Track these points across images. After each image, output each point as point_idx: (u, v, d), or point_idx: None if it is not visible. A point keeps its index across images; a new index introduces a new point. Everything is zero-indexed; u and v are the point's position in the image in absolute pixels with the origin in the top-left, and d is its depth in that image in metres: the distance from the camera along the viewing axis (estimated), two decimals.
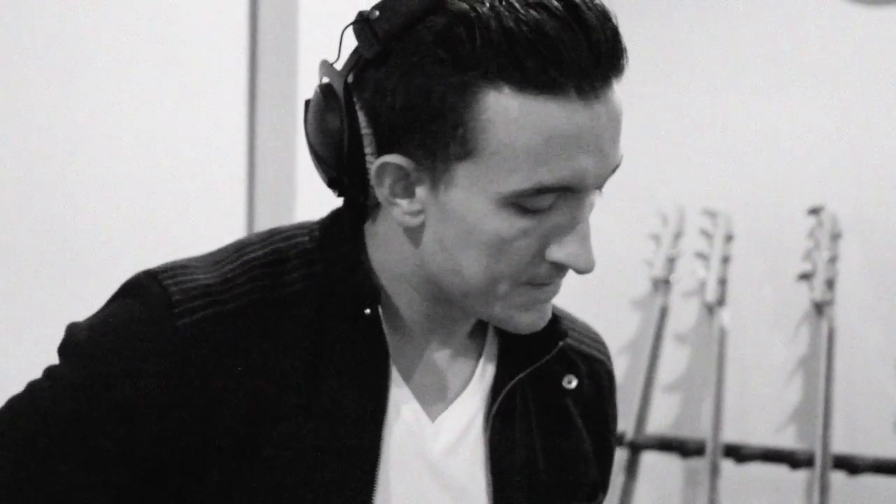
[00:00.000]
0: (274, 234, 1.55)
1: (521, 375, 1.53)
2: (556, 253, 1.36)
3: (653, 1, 4.27)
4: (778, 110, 3.95)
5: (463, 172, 1.36)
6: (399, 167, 1.37)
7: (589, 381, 1.65)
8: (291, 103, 3.29)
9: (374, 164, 1.39)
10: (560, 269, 1.39)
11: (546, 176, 1.34)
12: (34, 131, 2.78)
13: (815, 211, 3.65)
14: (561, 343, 1.53)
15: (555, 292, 1.44)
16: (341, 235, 1.53)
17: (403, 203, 1.40)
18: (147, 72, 3.06)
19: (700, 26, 4.18)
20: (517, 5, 1.32)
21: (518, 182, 1.34)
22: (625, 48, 1.35)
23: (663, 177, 4.00)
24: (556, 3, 1.31)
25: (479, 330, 1.57)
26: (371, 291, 1.46)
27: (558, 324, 1.53)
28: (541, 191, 1.34)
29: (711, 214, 3.80)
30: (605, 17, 1.32)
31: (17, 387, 1.48)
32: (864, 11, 3.85)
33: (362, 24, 1.37)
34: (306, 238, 1.53)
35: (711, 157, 4.04)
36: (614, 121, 1.36)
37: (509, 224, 1.36)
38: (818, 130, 3.89)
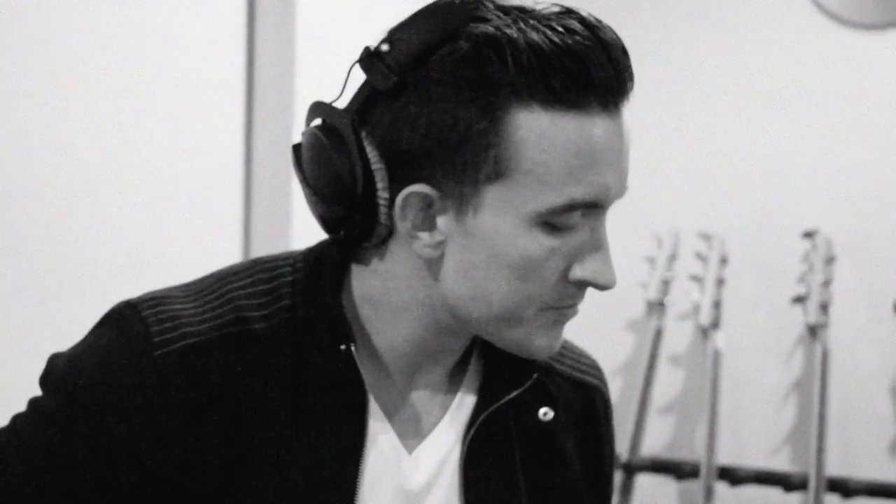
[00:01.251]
0: (257, 265, 1.55)
1: (494, 406, 1.54)
2: (580, 272, 1.38)
3: (649, 26, 4.20)
4: (773, 134, 3.94)
5: (494, 195, 1.36)
6: (425, 196, 1.38)
7: (581, 408, 1.65)
8: (287, 118, 3.32)
9: (398, 196, 1.39)
10: (582, 288, 1.41)
11: (577, 191, 1.35)
12: (31, 138, 2.77)
13: (809, 234, 3.64)
14: (534, 376, 1.54)
15: (575, 313, 1.45)
16: (324, 271, 1.53)
17: (425, 236, 1.40)
18: (145, 83, 3.05)
19: (695, 51, 4.17)
20: (541, 26, 1.33)
21: (552, 200, 1.35)
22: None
23: (658, 199, 3.97)
24: (577, 24, 1.33)
25: (462, 362, 1.56)
26: (344, 328, 1.48)
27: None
28: (572, 207, 1.35)
29: (706, 237, 3.79)
30: (617, 36, 1.35)
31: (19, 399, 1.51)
32: (858, 36, 3.86)
33: (372, 58, 1.38)
34: (289, 270, 1.53)
35: (706, 180, 4.04)
36: (628, 136, 1.39)
37: (538, 244, 1.37)
38: (813, 154, 3.90)
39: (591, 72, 1.33)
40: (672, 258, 3.82)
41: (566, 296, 1.42)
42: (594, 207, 1.38)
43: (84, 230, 2.94)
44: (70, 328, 1.58)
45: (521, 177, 1.37)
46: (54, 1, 2.91)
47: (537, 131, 1.35)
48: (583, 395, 1.66)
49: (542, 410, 1.57)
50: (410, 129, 1.37)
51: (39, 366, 1.50)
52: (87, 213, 2.94)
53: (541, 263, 1.40)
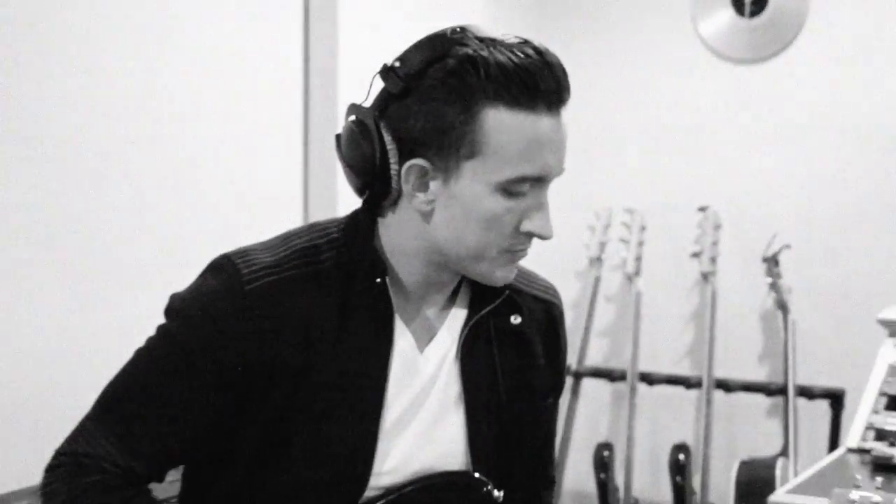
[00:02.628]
0: (312, 228, 1.75)
1: (478, 315, 1.75)
2: (528, 225, 1.62)
3: (576, 58, 4.39)
4: (677, 141, 4.31)
5: (469, 168, 1.58)
6: (421, 167, 1.60)
7: (543, 316, 1.87)
8: (334, 124, 3.41)
9: (402, 167, 1.61)
10: (530, 237, 1.65)
11: (527, 168, 1.57)
12: (138, 136, 3.01)
13: (702, 209, 4.07)
14: (506, 293, 1.76)
15: (524, 255, 1.69)
16: (360, 228, 1.71)
17: (420, 195, 1.62)
18: (229, 98, 3.30)
19: (619, 85, 4.47)
20: (505, 50, 1.56)
21: (509, 172, 1.57)
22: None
23: (596, 186, 4.34)
24: (530, 50, 1.57)
25: (455, 290, 1.77)
26: (380, 267, 1.68)
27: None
28: (524, 179, 1.58)
29: (630, 211, 4.19)
30: (558, 58, 1.59)
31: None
32: (735, 67, 4.22)
33: (387, 71, 1.60)
34: (334, 230, 1.72)
35: (631, 172, 4.41)
36: (565, 131, 1.61)
37: (499, 204, 1.59)
38: (704, 154, 4.28)
39: (539, 83, 1.55)
40: (606, 227, 4.24)
41: (517, 243, 1.65)
42: (539, 180, 1.60)
43: (183, 215, 3.15)
44: (177, 284, 1.74)
45: (488, 156, 1.57)
46: (148, 10, 3.05)
47: (501, 124, 1.56)
48: (542, 307, 1.86)
49: (513, 317, 1.79)
50: (413, 120, 1.58)
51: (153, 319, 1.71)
52: (190, 193, 3.16)
53: (500, 218, 1.60)
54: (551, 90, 1.56)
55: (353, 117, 1.64)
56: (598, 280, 4.29)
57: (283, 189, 3.55)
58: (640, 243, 4.15)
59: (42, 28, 2.75)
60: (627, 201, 4.31)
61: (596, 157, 4.41)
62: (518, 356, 1.80)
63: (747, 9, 4.13)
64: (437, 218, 1.63)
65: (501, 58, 1.54)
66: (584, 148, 4.26)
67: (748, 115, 4.20)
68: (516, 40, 1.58)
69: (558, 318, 1.88)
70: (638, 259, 4.14)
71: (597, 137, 4.40)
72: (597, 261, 4.27)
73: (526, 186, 1.58)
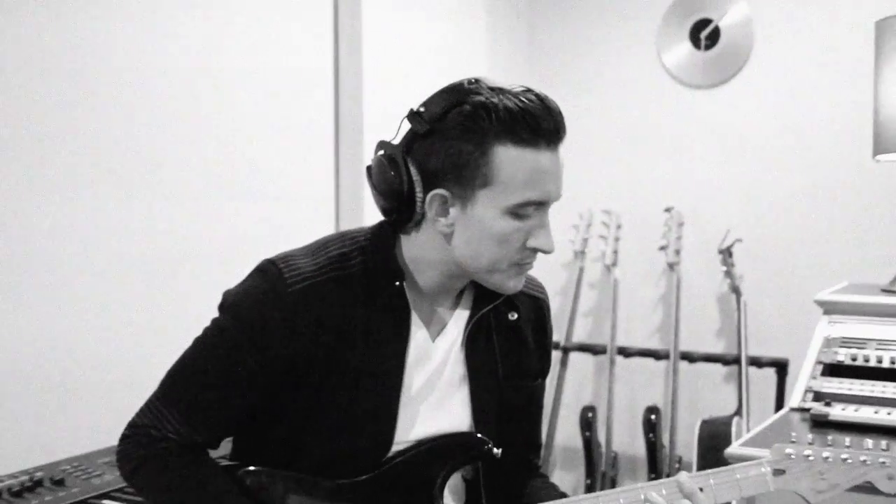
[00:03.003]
0: (343, 237, 1.71)
1: (481, 312, 1.73)
2: (534, 242, 1.60)
3: (564, 92, 4.17)
4: (647, 153, 4.29)
5: (482, 196, 1.56)
6: (442, 196, 1.59)
7: (534, 311, 1.84)
8: (359, 148, 3.44)
9: (427, 196, 1.59)
10: (535, 252, 1.63)
11: (531, 194, 1.56)
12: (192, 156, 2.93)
13: (668, 209, 4.09)
14: (503, 296, 1.73)
15: (530, 267, 1.68)
16: (384, 239, 1.69)
17: (442, 220, 1.60)
18: (264, 124, 3.20)
19: (595, 108, 4.38)
20: (511, 97, 1.55)
21: (516, 198, 1.55)
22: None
23: (580, 190, 4.17)
24: (533, 96, 1.56)
25: (461, 292, 1.75)
26: (400, 273, 1.66)
27: None
28: (528, 204, 1.56)
29: (608, 213, 4.20)
30: (556, 104, 1.58)
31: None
32: (692, 91, 4.18)
33: (414, 115, 1.59)
34: (362, 239, 1.70)
35: (608, 178, 4.37)
36: (562, 164, 1.61)
37: (508, 225, 1.57)
38: (668, 165, 4.23)
39: (540, 124, 1.54)
40: (588, 225, 4.25)
41: (525, 257, 1.63)
42: (541, 204, 1.58)
43: (230, 223, 3.06)
44: (227, 280, 1.73)
45: (498, 185, 1.54)
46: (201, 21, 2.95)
47: (509, 158, 1.53)
48: (534, 303, 1.84)
49: (511, 314, 1.77)
50: (435, 156, 1.57)
51: (201, 318, 1.70)
52: (233, 205, 3.08)
53: (509, 237, 1.58)
54: (550, 130, 1.56)
55: (382, 152, 1.64)
56: (581, 270, 4.29)
57: (316, 196, 3.48)
58: (617, 239, 4.17)
59: (94, 40, 2.65)
60: (605, 204, 4.33)
61: (579, 168, 4.33)
62: (513, 345, 1.79)
63: (702, 43, 4.15)
64: (456, 239, 1.62)
65: (509, 103, 1.54)
66: (569, 159, 4.21)
67: (705, 131, 4.19)
68: (521, 89, 1.57)
69: (546, 312, 1.88)
70: (615, 252, 4.16)
71: (580, 151, 4.24)
72: (580, 254, 4.27)
73: (531, 209, 1.58)
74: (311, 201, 3.44)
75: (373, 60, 3.54)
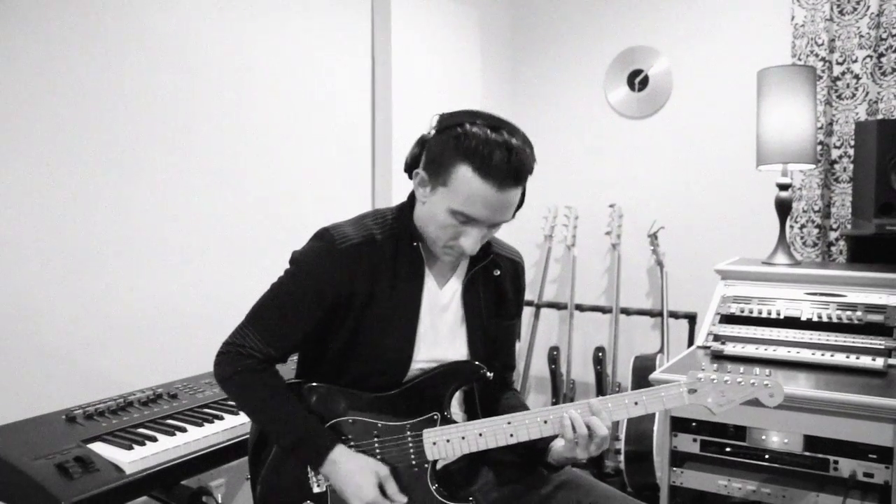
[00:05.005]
0: (376, 213, 1.69)
1: (474, 269, 1.72)
2: (461, 240, 1.58)
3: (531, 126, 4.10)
4: (597, 165, 4.18)
5: (440, 191, 1.54)
6: (423, 177, 1.58)
7: (512, 270, 1.81)
8: (389, 144, 3.30)
9: (417, 172, 1.58)
10: (462, 248, 1.59)
11: (466, 209, 1.52)
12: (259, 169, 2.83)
13: (612, 205, 3.99)
14: (491, 256, 1.73)
15: (460, 253, 1.61)
16: (404, 212, 1.66)
17: (420, 191, 1.60)
18: (315, 135, 3.08)
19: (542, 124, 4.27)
20: (494, 138, 1.48)
21: (455, 206, 1.52)
22: (529, 171, 1.51)
23: (549, 191, 4.24)
24: (508, 148, 1.47)
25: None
26: (416, 235, 1.64)
27: (489, 249, 1.72)
28: (461, 214, 1.53)
29: (569, 207, 4.12)
30: (527, 161, 1.49)
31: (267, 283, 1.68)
32: (629, 121, 4.06)
33: (440, 118, 1.58)
34: (390, 212, 1.69)
35: (569, 183, 4.24)
36: (510, 204, 1.52)
37: (447, 220, 1.55)
38: (614, 173, 4.12)
39: (501, 169, 1.47)
40: (554, 216, 4.15)
41: (453, 247, 1.60)
42: (473, 220, 1.54)
43: (292, 209, 2.97)
44: (290, 246, 1.68)
45: (451, 191, 1.52)
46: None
47: (464, 177, 1.50)
48: (513, 265, 1.81)
49: (495, 271, 1.75)
50: (431, 150, 1.56)
51: (265, 279, 1.68)
52: (290, 197, 2.97)
53: (445, 227, 1.57)
54: (503, 178, 1.48)
55: (421, 136, 1.62)
56: (549, 249, 4.22)
57: (356, 186, 3.36)
58: (575, 226, 4.11)
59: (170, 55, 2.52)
60: (567, 201, 4.28)
61: (548, 176, 4.34)
62: (497, 294, 1.76)
63: (636, 87, 4.07)
64: (422, 210, 1.61)
65: (485, 146, 1.47)
66: (542, 168, 4.07)
67: (638, 149, 4.10)
68: (506, 137, 1.48)
69: (521, 271, 1.83)
70: (573, 236, 4.10)
71: (550, 161, 4.32)
72: (549, 237, 4.20)
73: (463, 218, 1.54)
74: (353, 188, 3.34)
75: (399, 80, 3.41)
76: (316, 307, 1.59)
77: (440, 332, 1.68)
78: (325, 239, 1.61)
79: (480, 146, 1.46)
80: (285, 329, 1.61)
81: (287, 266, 1.66)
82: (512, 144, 1.47)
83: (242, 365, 1.61)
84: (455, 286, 1.70)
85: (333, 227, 1.63)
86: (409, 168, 1.60)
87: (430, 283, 1.67)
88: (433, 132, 1.55)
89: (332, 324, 1.62)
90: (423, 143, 1.57)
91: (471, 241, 1.54)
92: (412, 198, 1.65)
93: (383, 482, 1.56)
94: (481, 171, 1.47)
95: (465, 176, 1.48)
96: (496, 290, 1.75)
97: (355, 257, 1.58)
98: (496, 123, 1.51)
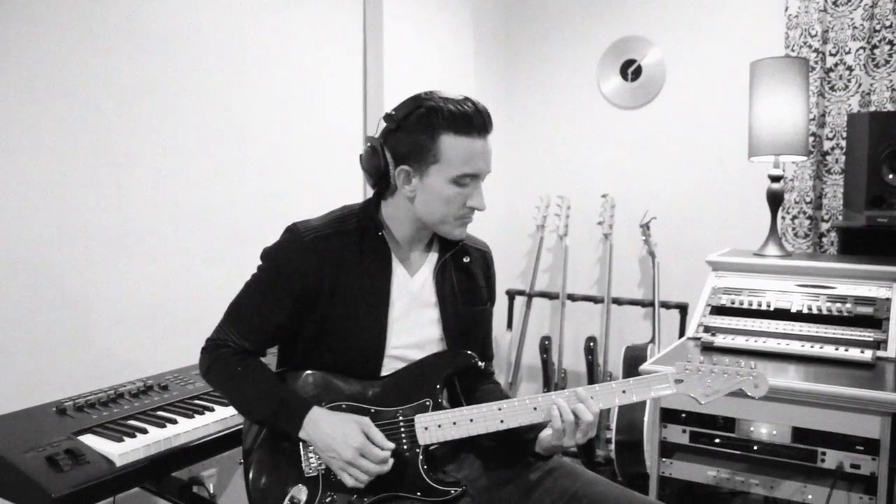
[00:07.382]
0: (343, 207, 1.73)
1: (444, 257, 1.74)
2: (471, 202, 1.62)
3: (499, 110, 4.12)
4: (590, 155, 4.12)
5: (433, 170, 1.57)
6: (406, 171, 1.60)
7: (482, 260, 1.84)
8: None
9: (396, 171, 1.59)
10: (472, 210, 1.63)
11: (467, 169, 1.57)
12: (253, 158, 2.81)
13: (604, 195, 3.97)
14: (460, 244, 1.76)
15: (470, 222, 1.67)
16: (370, 206, 1.69)
17: (407, 188, 1.61)
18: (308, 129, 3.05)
19: (531, 110, 4.25)
20: (454, 103, 1.56)
21: (456, 171, 1.56)
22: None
23: (541, 181, 4.25)
24: (469, 102, 1.57)
25: (430, 241, 1.74)
26: (380, 226, 1.67)
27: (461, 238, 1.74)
28: (465, 175, 1.57)
29: (561, 197, 4.09)
30: (486, 108, 1.60)
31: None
32: (622, 112, 4.05)
33: (387, 116, 1.60)
34: (357, 207, 1.71)
35: (562, 173, 4.24)
36: (490, 148, 1.61)
37: (452, 191, 1.59)
38: (606, 162, 4.10)
39: (473, 121, 1.56)
40: (547, 206, 4.13)
41: (465, 214, 1.63)
42: (475, 176, 1.59)
43: (280, 200, 2.94)
44: (262, 248, 1.69)
45: (444, 162, 1.56)
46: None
47: (451, 144, 1.55)
48: (482, 254, 1.85)
49: (465, 258, 1.78)
50: (401, 144, 1.58)
51: (242, 274, 1.70)
52: (278, 190, 2.94)
53: (453, 199, 1.59)
54: (480, 124, 1.56)
55: (368, 144, 1.65)
56: (542, 239, 4.21)
57: (348, 179, 3.31)
58: (567, 216, 4.10)
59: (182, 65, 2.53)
60: (559, 191, 4.27)
61: (541, 165, 4.35)
62: (468, 281, 1.78)
63: (629, 77, 4.05)
64: (417, 201, 1.63)
65: (451, 107, 1.55)
66: (534, 158, 4.32)
67: (631, 139, 4.09)
68: (461, 97, 1.58)
69: (490, 261, 1.87)
70: (566, 226, 4.09)
71: (542, 151, 4.34)
72: (541, 227, 4.19)
73: (467, 180, 1.59)
74: (345, 181, 3.30)
75: (391, 72, 3.38)
76: (286, 298, 1.61)
77: (414, 319, 1.69)
78: (292, 233, 1.64)
79: (448, 112, 1.53)
80: (259, 322, 1.63)
81: (259, 262, 1.69)
82: (466, 98, 1.56)
83: (218, 354, 1.65)
84: (426, 274, 1.72)
85: (301, 222, 1.66)
86: (380, 176, 1.61)
87: (399, 270, 1.69)
88: (388, 132, 1.58)
89: (302, 315, 1.63)
90: (378, 148, 1.60)
91: (480, 198, 1.59)
92: (377, 195, 1.68)
93: (366, 429, 1.58)
94: (462, 130, 1.53)
95: (451, 142, 1.53)
96: (467, 276, 1.77)
97: (321, 249, 1.60)
98: (440, 92, 1.58)
